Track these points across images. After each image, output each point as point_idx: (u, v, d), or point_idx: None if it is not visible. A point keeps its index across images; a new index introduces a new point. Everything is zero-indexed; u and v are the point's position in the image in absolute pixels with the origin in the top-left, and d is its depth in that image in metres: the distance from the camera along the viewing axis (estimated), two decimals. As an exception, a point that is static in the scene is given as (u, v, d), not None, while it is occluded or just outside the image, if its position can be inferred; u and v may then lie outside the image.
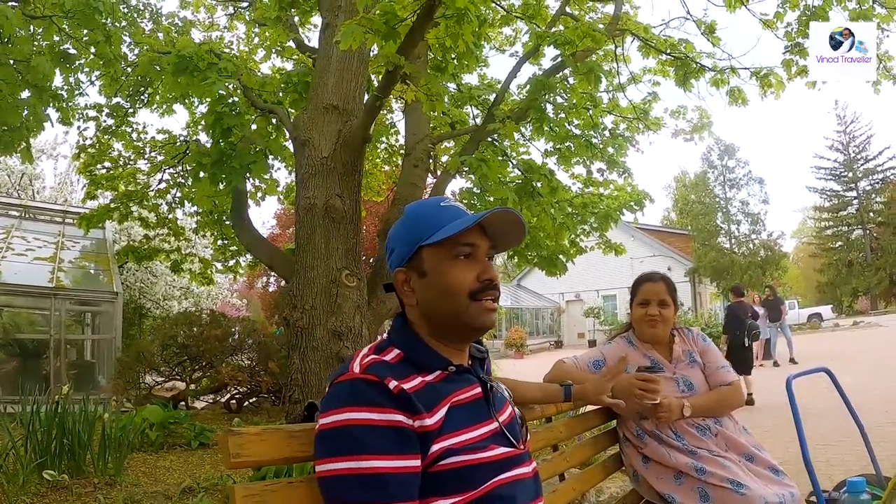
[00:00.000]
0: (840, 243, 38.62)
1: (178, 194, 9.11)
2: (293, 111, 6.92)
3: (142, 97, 8.58)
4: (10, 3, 5.03)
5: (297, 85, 7.13)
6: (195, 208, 9.04)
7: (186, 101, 8.46)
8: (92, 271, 10.86)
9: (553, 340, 29.78)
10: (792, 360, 12.75)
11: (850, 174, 37.96)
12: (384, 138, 9.85)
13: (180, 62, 5.25)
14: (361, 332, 5.07)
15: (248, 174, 6.12)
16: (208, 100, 6.25)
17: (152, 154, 9.16)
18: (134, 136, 8.97)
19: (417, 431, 1.01)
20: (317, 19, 8.26)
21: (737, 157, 29.84)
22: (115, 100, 8.41)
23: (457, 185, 16.25)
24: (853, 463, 4.31)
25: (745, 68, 6.90)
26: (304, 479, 1.12)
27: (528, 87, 6.34)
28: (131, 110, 8.70)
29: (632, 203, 8.34)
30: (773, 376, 10.73)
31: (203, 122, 7.16)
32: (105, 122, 8.65)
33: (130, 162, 9.25)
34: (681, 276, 26.22)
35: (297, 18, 8.38)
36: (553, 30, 6.61)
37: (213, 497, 3.74)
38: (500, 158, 6.67)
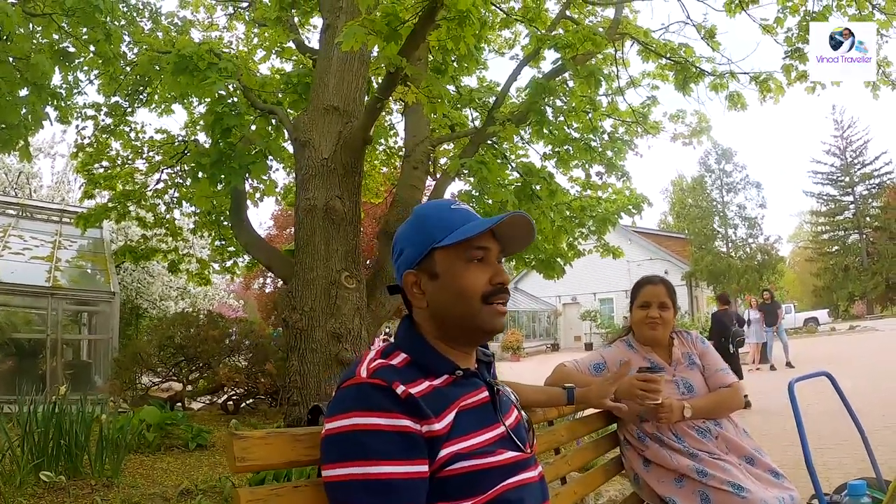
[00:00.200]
0: (836, 248, 38.80)
1: (176, 194, 9.09)
2: (293, 112, 6.91)
3: (140, 96, 8.55)
4: (9, 1, 5.01)
5: (296, 86, 7.13)
6: (193, 208, 9.01)
7: (185, 100, 8.45)
8: (89, 271, 10.84)
9: (549, 343, 29.78)
10: (788, 364, 12.79)
11: (847, 179, 38.14)
12: (383, 140, 9.85)
13: (180, 62, 5.23)
14: (360, 334, 5.06)
15: (247, 175, 6.11)
16: (207, 100, 6.24)
17: (150, 154, 9.13)
18: (132, 135, 8.94)
19: (425, 436, 1.01)
20: (316, 20, 8.29)
21: (734, 162, 30.00)
22: (113, 99, 8.38)
23: (456, 187, 16.27)
24: (851, 466, 4.33)
25: (745, 73, 6.93)
26: (308, 482, 1.11)
27: (528, 89, 6.34)
28: (130, 109, 8.67)
29: (629, 206, 8.36)
30: (769, 380, 10.77)
31: (202, 122, 7.13)
32: (103, 121, 8.62)
33: (128, 161, 9.22)
34: (677, 279, 26.25)
35: (296, 19, 8.37)
36: (553, 33, 6.62)
37: (211, 499, 3.72)
38: (499, 161, 6.67)
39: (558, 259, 8.16)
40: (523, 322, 28.88)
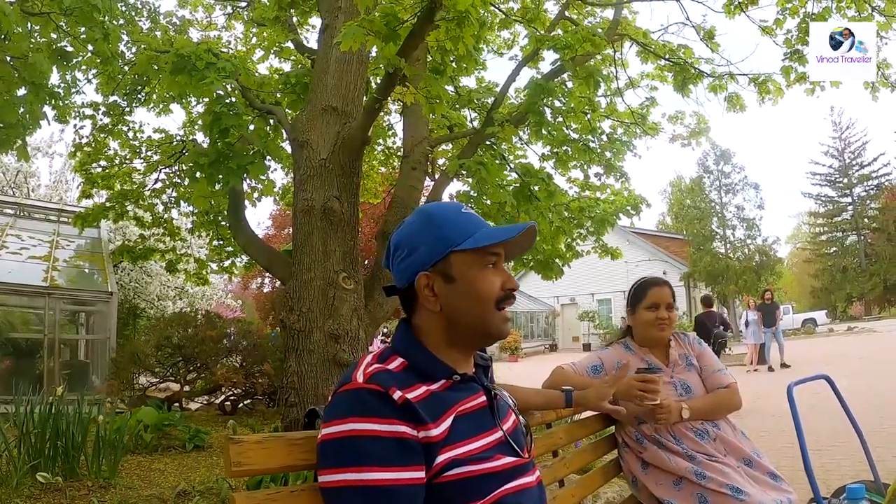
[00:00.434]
0: (835, 249, 38.90)
1: (174, 194, 9.07)
2: (291, 112, 6.90)
3: (139, 96, 8.53)
4: (7, 0, 5.00)
5: (295, 86, 7.12)
6: (191, 208, 9.00)
7: (183, 100, 8.43)
8: (87, 270, 10.81)
9: (548, 344, 29.79)
10: (783, 365, 12.88)
11: (845, 180, 38.23)
12: (381, 140, 9.84)
13: (179, 61, 5.22)
14: (358, 335, 5.05)
15: (245, 175, 6.09)
16: (206, 99, 6.22)
17: (148, 153, 9.12)
18: (130, 135, 8.92)
19: (422, 442, 1.00)
20: (315, 20, 8.27)
21: (732, 163, 30.07)
22: (111, 98, 8.35)
23: (454, 188, 16.27)
24: (848, 468, 4.32)
25: (744, 74, 6.93)
26: (305, 487, 1.10)
27: (527, 90, 6.34)
28: (128, 109, 8.65)
29: (628, 207, 8.36)
30: (767, 381, 10.77)
31: (200, 122, 7.12)
32: (101, 120, 8.60)
33: (126, 161, 9.20)
34: (676, 280, 26.27)
35: (295, 19, 8.36)
36: (552, 34, 6.61)
37: (208, 500, 3.71)
38: (498, 162, 6.66)
39: (556, 260, 8.16)
40: (521, 322, 28.88)
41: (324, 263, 5.10)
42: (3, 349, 9.14)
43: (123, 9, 7.46)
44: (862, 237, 37.30)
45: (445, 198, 7.46)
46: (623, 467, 2.29)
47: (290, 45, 8.49)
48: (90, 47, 5.73)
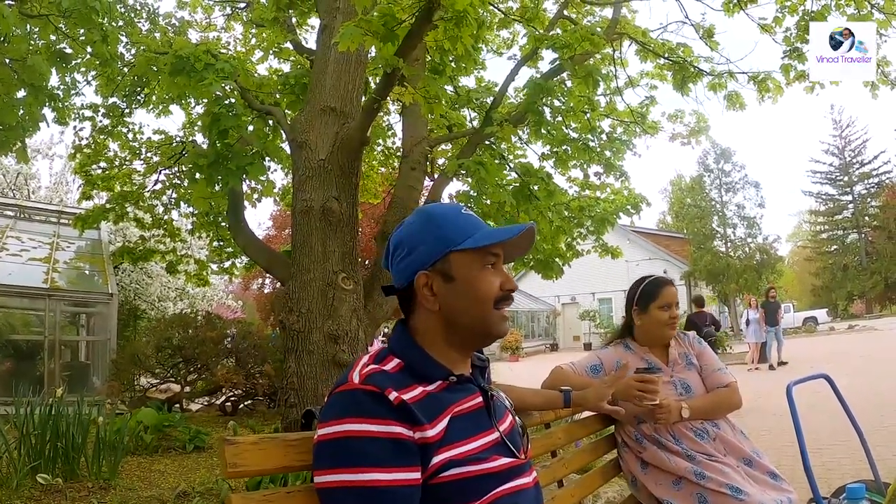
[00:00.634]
0: (835, 247, 38.87)
1: (174, 195, 9.07)
2: (290, 113, 6.90)
3: (138, 97, 8.53)
4: (6, 2, 5.00)
5: (294, 86, 7.11)
6: (191, 209, 9.00)
7: (183, 101, 8.43)
8: (87, 272, 10.83)
9: (549, 343, 29.79)
10: (781, 363, 12.94)
11: (846, 178, 38.21)
12: (381, 140, 9.84)
13: (177, 62, 5.21)
14: (358, 335, 5.05)
15: (244, 176, 6.09)
16: (205, 100, 6.21)
17: (148, 154, 9.12)
18: (130, 136, 8.92)
19: (418, 443, 1.00)
20: (314, 21, 8.26)
21: (733, 161, 30.04)
22: (111, 100, 8.36)
23: (454, 188, 16.24)
24: (849, 467, 4.32)
25: (743, 73, 6.92)
26: (301, 487, 1.10)
27: (526, 90, 6.34)
28: (127, 110, 8.65)
29: (628, 206, 8.35)
30: (768, 380, 10.76)
31: (199, 123, 7.12)
32: (101, 122, 8.59)
33: (126, 162, 9.20)
34: (677, 279, 26.24)
35: (294, 20, 8.35)
36: (551, 33, 6.61)
37: (207, 501, 3.72)
38: (497, 161, 6.66)
39: (557, 259, 8.15)
40: (522, 322, 28.88)
41: (323, 264, 5.10)
42: (3, 351, 9.15)
43: (122, 10, 7.47)
44: (863, 235, 37.28)
45: (445, 198, 7.46)
46: (622, 467, 2.29)
47: (288, 45, 8.48)
48: (89, 49, 5.72)
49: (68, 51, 5.85)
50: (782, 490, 2.01)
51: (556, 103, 6.48)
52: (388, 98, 5.06)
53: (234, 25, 9.81)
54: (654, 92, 8.11)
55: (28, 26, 5.44)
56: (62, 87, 7.01)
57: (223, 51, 7.00)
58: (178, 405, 8.13)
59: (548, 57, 7.54)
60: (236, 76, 5.69)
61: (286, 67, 9.07)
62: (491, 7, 7.03)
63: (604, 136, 7.79)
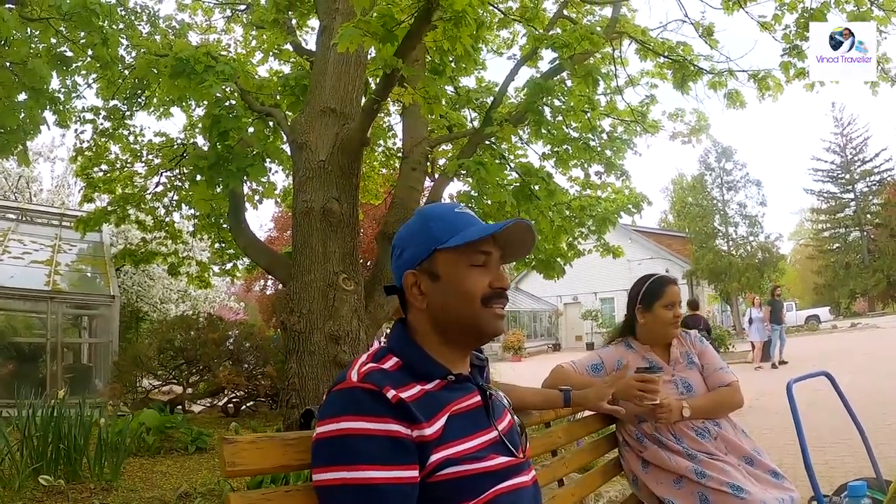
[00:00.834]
0: (837, 245, 38.77)
1: (176, 197, 9.09)
2: (290, 114, 6.90)
3: (139, 100, 8.55)
4: (7, 6, 5.01)
5: (294, 88, 7.11)
6: (192, 211, 9.01)
7: (183, 104, 8.44)
8: (89, 274, 10.85)
9: (551, 343, 29.77)
10: (781, 362, 12.94)
11: (848, 176, 38.10)
12: (381, 141, 9.84)
13: (178, 65, 5.22)
14: (359, 336, 5.05)
15: (245, 177, 6.10)
16: (205, 102, 6.22)
17: (149, 157, 9.14)
18: (131, 138, 8.94)
19: (416, 441, 1.00)
20: (314, 22, 8.27)
21: (734, 160, 29.94)
22: (112, 102, 8.38)
23: (454, 188, 16.27)
24: (851, 465, 4.31)
25: (743, 71, 6.91)
26: (300, 486, 1.11)
27: (526, 89, 6.33)
28: (128, 113, 8.67)
29: (629, 206, 8.34)
30: (770, 379, 10.75)
31: (200, 125, 7.13)
32: (102, 124, 8.61)
33: (127, 165, 9.22)
34: (679, 278, 26.16)
35: (294, 21, 8.36)
36: (551, 32, 6.60)
37: (209, 502, 3.72)
38: (497, 161, 6.66)
39: (558, 259, 8.14)
40: (524, 322, 28.87)
41: (324, 265, 5.10)
42: (5, 353, 9.18)
43: (123, 13, 7.47)
44: (865, 233, 37.18)
45: (445, 198, 7.47)
46: (623, 466, 2.29)
47: (288, 47, 8.49)
48: (90, 52, 5.73)
49: (69, 54, 5.86)
50: (784, 489, 2.01)
51: (557, 103, 6.47)
52: (388, 99, 5.07)
53: (234, 27, 9.83)
54: (654, 91, 8.10)
55: (28, 30, 5.45)
56: (63, 90, 7.02)
57: (223, 53, 7.01)
58: (180, 407, 8.14)
59: (547, 56, 7.55)
60: (236, 78, 5.70)
61: (286, 69, 9.07)
62: (490, 7, 7.02)
63: (604, 136, 7.78)
